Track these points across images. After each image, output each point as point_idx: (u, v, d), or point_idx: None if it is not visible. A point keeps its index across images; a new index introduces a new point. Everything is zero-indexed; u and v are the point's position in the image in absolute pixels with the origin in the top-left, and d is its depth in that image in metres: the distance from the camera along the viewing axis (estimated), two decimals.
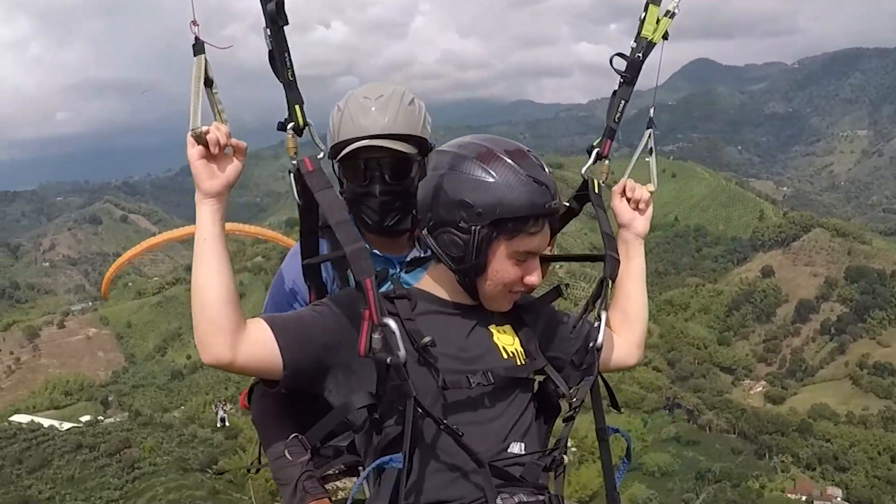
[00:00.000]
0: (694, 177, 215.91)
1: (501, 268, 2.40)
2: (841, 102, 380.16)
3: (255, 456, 3.23)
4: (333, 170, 3.03)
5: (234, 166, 2.27)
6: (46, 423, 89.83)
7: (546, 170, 2.41)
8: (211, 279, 2.20)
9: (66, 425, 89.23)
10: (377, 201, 2.91)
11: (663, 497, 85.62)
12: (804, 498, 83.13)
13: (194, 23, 2.19)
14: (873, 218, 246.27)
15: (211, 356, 2.19)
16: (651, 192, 3.00)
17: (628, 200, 2.97)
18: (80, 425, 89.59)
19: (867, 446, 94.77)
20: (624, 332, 2.91)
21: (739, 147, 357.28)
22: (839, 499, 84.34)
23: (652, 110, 3.07)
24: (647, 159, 3.12)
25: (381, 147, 2.85)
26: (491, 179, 2.33)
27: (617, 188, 3.00)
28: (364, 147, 2.84)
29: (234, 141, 2.27)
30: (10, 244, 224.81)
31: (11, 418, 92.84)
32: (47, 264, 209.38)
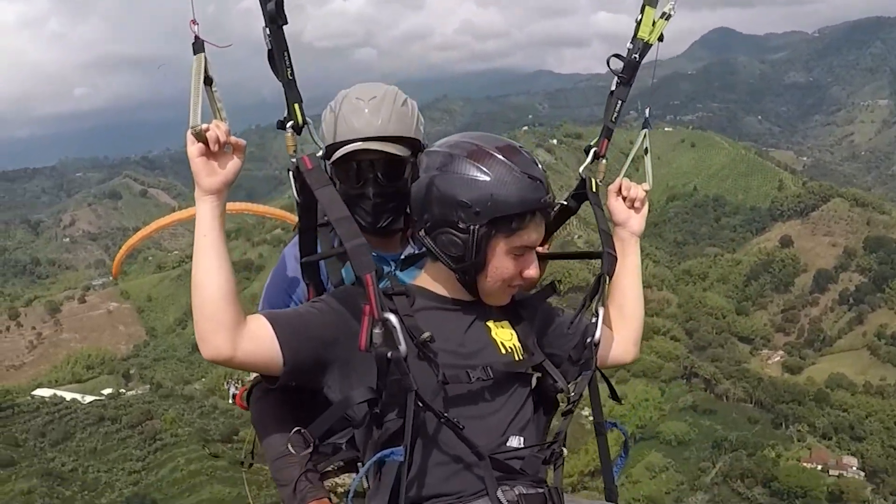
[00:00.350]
0: (713, 146, 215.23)
1: (501, 264, 2.44)
2: (861, 71, 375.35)
3: (248, 451, 3.25)
4: (326, 170, 2.93)
5: (233, 164, 2.28)
6: (69, 396, 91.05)
7: (538, 164, 2.45)
8: (211, 275, 2.21)
9: (89, 398, 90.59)
10: (370, 203, 2.91)
11: (679, 465, 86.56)
12: (820, 467, 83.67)
13: (194, 21, 2.19)
14: (893, 188, 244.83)
15: (211, 351, 2.20)
16: (646, 191, 3.02)
17: (624, 199, 2.99)
18: (102, 398, 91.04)
19: (883, 416, 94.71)
20: (620, 329, 2.94)
21: (759, 117, 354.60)
22: (854, 468, 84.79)
23: (647, 110, 3.10)
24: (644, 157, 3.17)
25: (375, 149, 2.86)
26: (486, 178, 2.37)
27: (613, 187, 3.01)
28: (357, 149, 2.85)
29: (233, 139, 2.28)
30: (30, 221, 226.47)
31: (34, 392, 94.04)
32: (67, 240, 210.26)
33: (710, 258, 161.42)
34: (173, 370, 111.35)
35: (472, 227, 2.38)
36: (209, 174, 2.24)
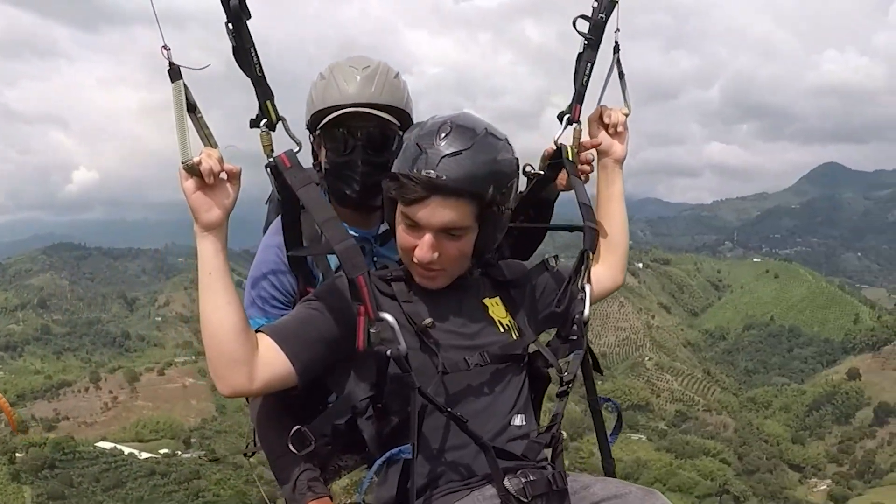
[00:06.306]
0: (796, 278, 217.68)
1: (399, 230, 2.40)
2: None
3: (249, 440, 3.17)
4: (310, 140, 3.00)
5: (230, 193, 2.19)
6: (127, 450, 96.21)
7: (477, 151, 2.31)
8: (220, 312, 2.13)
9: (145, 455, 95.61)
10: (358, 171, 2.85)
11: None
12: None
13: (165, 47, 2.06)
14: None
15: (230, 388, 2.16)
16: (626, 115, 2.96)
17: (606, 127, 2.94)
18: (158, 456, 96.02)
19: None
20: (607, 257, 2.91)
21: (859, 254, 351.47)
22: None
23: (616, 34, 2.92)
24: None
25: (367, 115, 2.83)
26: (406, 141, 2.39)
27: (592, 116, 2.96)
28: (348, 115, 2.82)
29: (227, 166, 2.17)
30: (127, 297, 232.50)
31: (97, 443, 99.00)
32: (160, 319, 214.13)
33: (776, 387, 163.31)
34: (233, 443, 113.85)
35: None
36: (208, 209, 2.14)
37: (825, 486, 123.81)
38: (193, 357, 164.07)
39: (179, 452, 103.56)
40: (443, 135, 2.31)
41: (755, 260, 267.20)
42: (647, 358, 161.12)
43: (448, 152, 2.29)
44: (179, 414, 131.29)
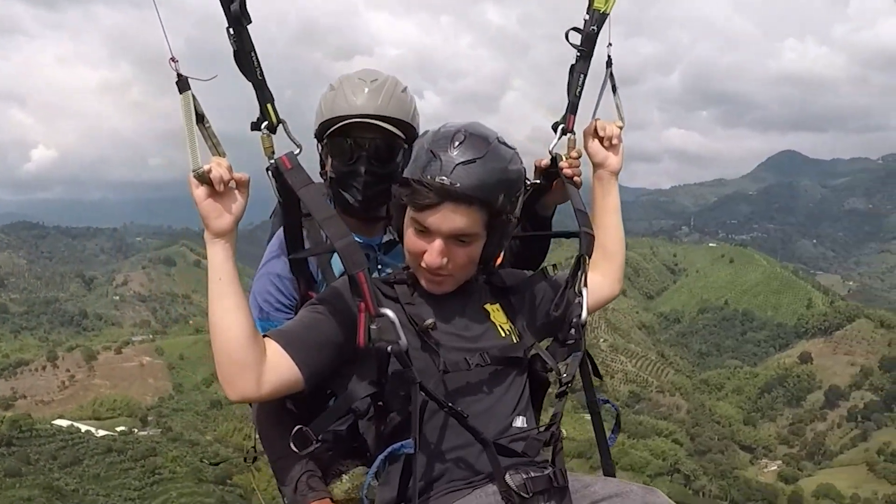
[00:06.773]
0: (751, 263, 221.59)
1: (407, 233, 2.45)
2: None
3: (251, 445, 3.12)
4: (318, 150, 3.07)
5: (239, 201, 2.22)
6: (84, 428, 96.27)
7: (489, 160, 2.37)
8: (230, 317, 2.16)
9: (102, 432, 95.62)
10: (361, 180, 2.92)
11: None
12: None
13: (173, 59, 2.09)
14: None
15: (238, 394, 2.17)
16: (620, 128, 3.01)
17: (601, 140, 2.99)
18: (114, 433, 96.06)
19: None
20: (603, 267, 2.94)
21: (815, 241, 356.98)
22: None
23: (609, 46, 2.99)
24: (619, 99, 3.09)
25: (373, 126, 2.90)
26: (418, 149, 2.44)
27: (588, 129, 3.00)
28: (355, 125, 2.90)
29: (236, 175, 2.20)
30: (85, 276, 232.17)
31: (54, 421, 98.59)
32: (117, 298, 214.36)
33: (729, 370, 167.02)
34: (189, 421, 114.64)
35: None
36: (218, 216, 2.17)
37: (775, 467, 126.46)
38: (151, 336, 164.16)
39: (136, 430, 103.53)
40: (457, 143, 2.36)
41: (711, 245, 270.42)
42: (601, 340, 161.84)
43: (462, 160, 2.33)
44: (136, 392, 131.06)
